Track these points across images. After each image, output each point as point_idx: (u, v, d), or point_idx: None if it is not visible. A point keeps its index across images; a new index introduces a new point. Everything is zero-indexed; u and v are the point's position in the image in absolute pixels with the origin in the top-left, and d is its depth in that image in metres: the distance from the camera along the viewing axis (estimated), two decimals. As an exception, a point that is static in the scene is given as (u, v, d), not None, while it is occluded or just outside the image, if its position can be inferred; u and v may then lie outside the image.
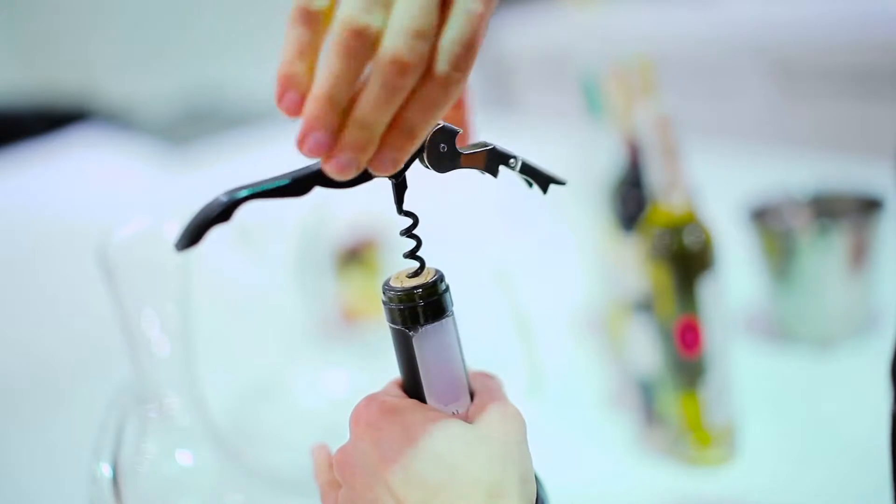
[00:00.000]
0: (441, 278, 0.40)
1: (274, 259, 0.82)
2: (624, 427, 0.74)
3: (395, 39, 0.32)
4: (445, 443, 0.37)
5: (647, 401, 0.73)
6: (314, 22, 0.34)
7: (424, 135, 0.35)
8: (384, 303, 0.40)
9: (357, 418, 0.39)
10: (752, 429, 0.69)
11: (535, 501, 0.39)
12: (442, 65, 0.33)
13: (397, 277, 0.40)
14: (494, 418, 0.39)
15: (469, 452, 0.37)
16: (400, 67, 0.32)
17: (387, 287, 0.40)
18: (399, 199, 0.40)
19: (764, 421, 0.70)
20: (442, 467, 0.37)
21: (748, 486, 0.65)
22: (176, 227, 0.54)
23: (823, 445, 0.68)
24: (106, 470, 0.50)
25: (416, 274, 0.40)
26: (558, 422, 0.76)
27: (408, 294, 0.39)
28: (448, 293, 0.40)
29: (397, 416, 0.38)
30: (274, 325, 0.94)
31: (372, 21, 0.32)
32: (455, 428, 0.38)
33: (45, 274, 1.40)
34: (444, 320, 0.40)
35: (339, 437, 0.41)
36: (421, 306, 0.39)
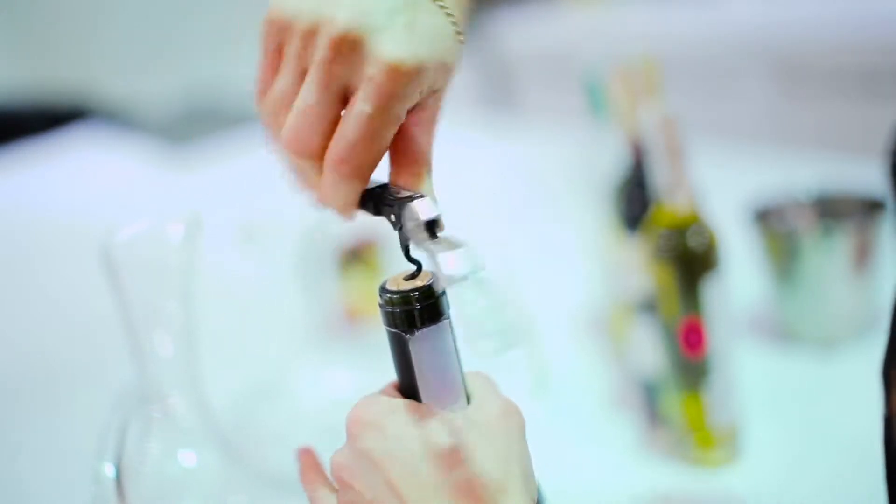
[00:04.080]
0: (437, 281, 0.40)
1: (276, 259, 0.82)
2: (627, 428, 0.74)
3: (286, 131, 0.39)
4: (448, 440, 0.37)
5: (651, 402, 0.73)
6: None
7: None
8: (380, 305, 0.40)
9: (356, 419, 0.39)
10: (755, 430, 0.69)
11: (536, 498, 0.39)
12: (329, 157, 0.39)
13: (394, 280, 0.40)
14: (494, 415, 0.39)
15: (471, 450, 0.37)
16: (292, 150, 0.40)
17: (383, 290, 0.40)
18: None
19: (767, 422, 0.70)
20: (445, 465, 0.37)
21: (751, 487, 0.65)
22: (179, 226, 0.54)
23: (827, 446, 0.68)
24: (109, 470, 0.50)
25: (412, 277, 0.40)
26: (561, 422, 0.75)
27: (404, 297, 0.39)
28: (445, 296, 0.40)
29: (397, 416, 0.38)
30: (277, 324, 0.94)
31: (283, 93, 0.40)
32: (456, 426, 0.38)
33: (45, 273, 1.40)
34: (440, 323, 0.39)
35: (342, 436, 0.40)
36: (417, 309, 0.39)
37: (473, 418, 0.39)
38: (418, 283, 0.40)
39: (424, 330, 0.39)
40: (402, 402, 0.39)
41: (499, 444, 0.38)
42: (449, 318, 0.40)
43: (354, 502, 0.38)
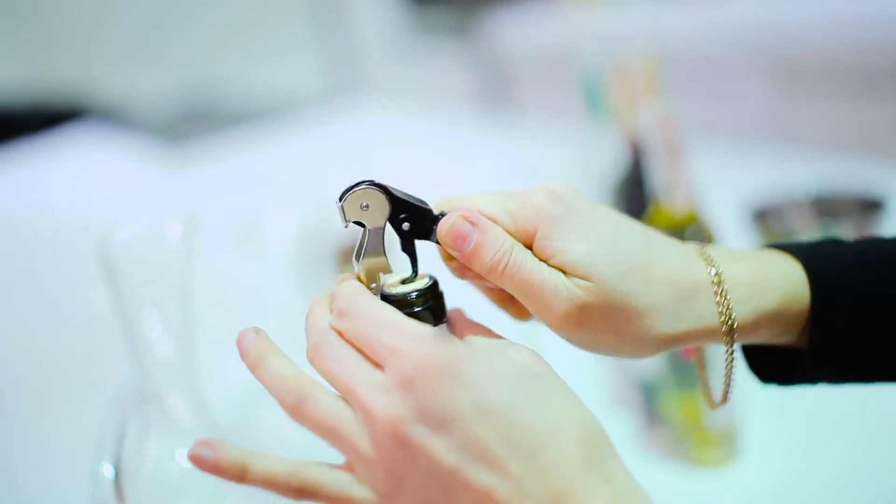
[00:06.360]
0: (436, 283, 0.39)
1: (275, 258, 0.82)
2: (625, 428, 0.74)
3: None
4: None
5: (649, 401, 0.73)
6: None
7: None
8: None
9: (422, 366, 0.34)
10: (753, 429, 0.69)
11: None
12: None
13: (390, 284, 0.39)
14: None
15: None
16: None
17: (380, 294, 0.39)
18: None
19: (765, 421, 0.70)
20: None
21: (750, 486, 0.65)
22: (177, 226, 0.54)
23: (825, 446, 0.68)
24: (108, 470, 0.50)
25: (409, 280, 0.40)
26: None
27: (402, 301, 0.38)
28: (443, 298, 0.39)
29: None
30: (275, 324, 0.94)
31: None
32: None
33: (42, 272, 1.40)
34: (440, 326, 0.39)
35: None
36: (416, 312, 0.38)
37: None
38: (417, 285, 0.39)
39: None
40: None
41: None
42: (447, 320, 0.40)
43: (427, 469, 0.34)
